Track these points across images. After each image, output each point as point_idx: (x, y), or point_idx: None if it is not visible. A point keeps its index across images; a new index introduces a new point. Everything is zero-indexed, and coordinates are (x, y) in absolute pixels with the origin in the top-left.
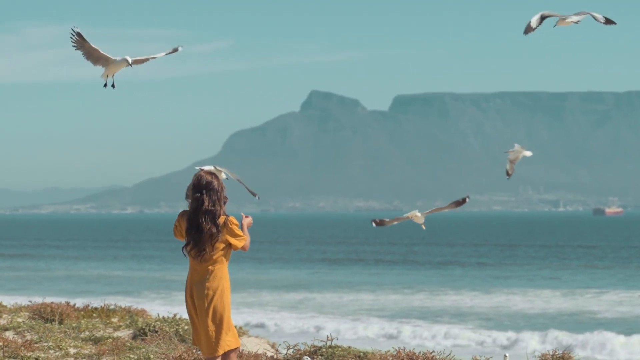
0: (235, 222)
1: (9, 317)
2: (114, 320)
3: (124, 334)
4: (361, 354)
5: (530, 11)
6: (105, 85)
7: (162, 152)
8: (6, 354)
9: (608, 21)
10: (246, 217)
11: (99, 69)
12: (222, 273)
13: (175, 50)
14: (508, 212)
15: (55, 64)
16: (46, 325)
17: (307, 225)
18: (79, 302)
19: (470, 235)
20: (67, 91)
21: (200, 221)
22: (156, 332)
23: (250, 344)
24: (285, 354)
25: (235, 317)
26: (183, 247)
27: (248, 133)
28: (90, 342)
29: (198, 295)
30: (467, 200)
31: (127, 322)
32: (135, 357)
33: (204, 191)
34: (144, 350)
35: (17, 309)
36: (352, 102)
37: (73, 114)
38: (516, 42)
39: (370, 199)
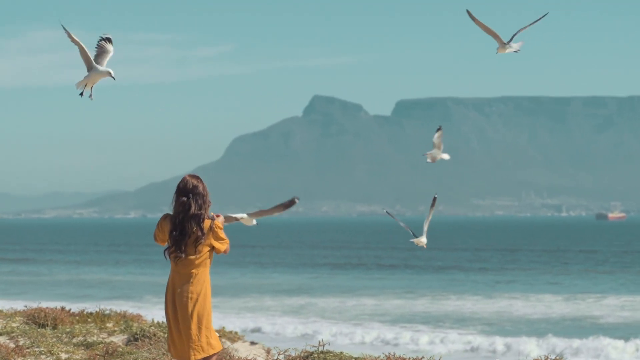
0: (221, 225)
1: (4, 322)
2: (109, 325)
3: (118, 339)
4: (353, 359)
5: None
6: (82, 94)
7: (165, 157)
8: None
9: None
10: (217, 216)
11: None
12: (205, 276)
13: None
14: (511, 216)
15: (59, 67)
16: (40, 330)
17: (309, 229)
18: (80, 307)
19: (473, 240)
20: (70, 95)
21: (186, 225)
22: (149, 337)
23: (244, 350)
24: (276, 359)
25: (236, 321)
26: (165, 251)
27: (251, 137)
28: (82, 347)
29: (181, 299)
30: (296, 202)
31: (122, 327)
32: None
33: (190, 195)
34: (134, 355)
35: (12, 314)
36: (354, 107)
37: (75, 118)
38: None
39: (373, 203)
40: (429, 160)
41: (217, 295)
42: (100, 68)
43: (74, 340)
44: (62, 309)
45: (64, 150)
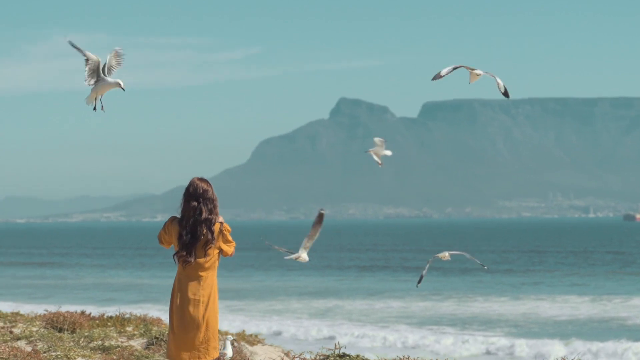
0: (229, 228)
1: (24, 326)
2: (129, 329)
3: (137, 342)
4: None
5: (558, 16)
6: (95, 108)
7: (192, 160)
8: None
9: (505, 93)
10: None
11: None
12: (214, 279)
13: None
14: (537, 218)
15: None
16: (58, 334)
17: (336, 232)
18: (105, 311)
19: (499, 242)
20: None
21: (197, 229)
22: (165, 341)
23: (263, 352)
24: None
25: (260, 324)
26: (174, 254)
27: (277, 140)
28: (99, 351)
29: (192, 302)
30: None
31: (142, 331)
32: None
33: (201, 199)
34: (150, 359)
35: (33, 318)
36: (381, 109)
37: (102, 122)
38: (545, 48)
39: (400, 205)
40: (376, 159)
41: (244, 298)
42: (108, 79)
43: (92, 345)
44: (82, 313)
45: (91, 155)
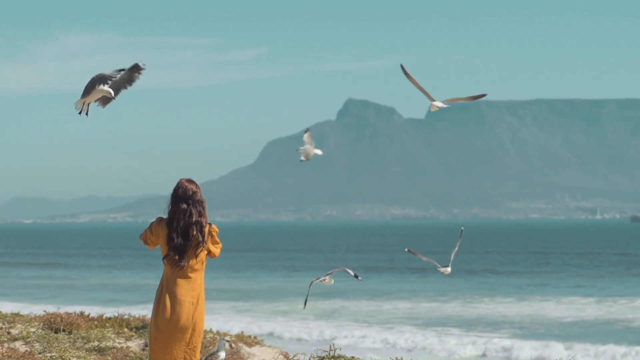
0: (217, 229)
1: (22, 327)
2: (127, 330)
3: (135, 344)
4: None
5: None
6: (80, 112)
7: (199, 160)
8: None
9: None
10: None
11: (141, 77)
12: (202, 281)
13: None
14: (545, 219)
15: (94, 72)
16: (55, 335)
17: (342, 233)
18: (109, 311)
19: (505, 243)
20: None
21: (189, 231)
22: None
23: (261, 354)
24: None
25: (264, 325)
26: (164, 257)
27: (284, 141)
28: (95, 352)
29: (180, 303)
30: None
31: (140, 332)
32: None
33: (190, 202)
34: None
35: (31, 319)
36: (388, 110)
37: (109, 123)
38: (553, 49)
39: (407, 206)
40: (302, 158)
41: (250, 299)
42: (101, 87)
43: (87, 346)
44: (81, 314)
45: (98, 155)
